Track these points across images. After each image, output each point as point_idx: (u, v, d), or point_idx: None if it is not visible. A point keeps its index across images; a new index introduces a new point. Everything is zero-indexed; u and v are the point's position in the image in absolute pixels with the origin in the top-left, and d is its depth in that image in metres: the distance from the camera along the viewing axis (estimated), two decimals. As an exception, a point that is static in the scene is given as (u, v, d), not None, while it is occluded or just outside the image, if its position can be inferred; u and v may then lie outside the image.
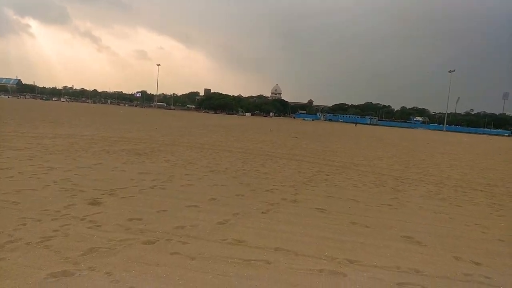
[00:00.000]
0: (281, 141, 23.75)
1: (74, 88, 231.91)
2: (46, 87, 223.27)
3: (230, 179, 9.53)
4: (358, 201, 8.04)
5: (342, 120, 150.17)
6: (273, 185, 9.12)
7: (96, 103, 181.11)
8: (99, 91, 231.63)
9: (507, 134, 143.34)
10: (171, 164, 11.18)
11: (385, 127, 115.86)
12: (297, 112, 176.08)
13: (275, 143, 21.85)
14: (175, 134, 22.95)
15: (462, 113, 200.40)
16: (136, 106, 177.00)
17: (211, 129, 31.23)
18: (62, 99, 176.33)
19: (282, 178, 10.29)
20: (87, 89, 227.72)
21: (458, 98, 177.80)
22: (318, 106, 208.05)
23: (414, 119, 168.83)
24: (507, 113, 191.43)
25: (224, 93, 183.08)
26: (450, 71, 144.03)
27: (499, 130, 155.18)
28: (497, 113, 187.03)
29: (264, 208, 6.86)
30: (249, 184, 9.03)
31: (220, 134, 26.49)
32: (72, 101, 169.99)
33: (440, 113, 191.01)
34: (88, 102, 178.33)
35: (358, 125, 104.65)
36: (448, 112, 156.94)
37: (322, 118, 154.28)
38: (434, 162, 18.12)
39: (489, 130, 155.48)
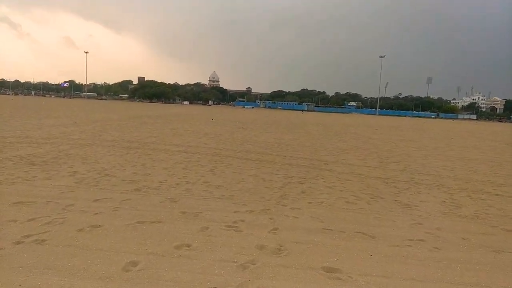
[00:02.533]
0: (228, 133, 20.48)
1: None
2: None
3: (167, 205, 6.11)
4: (375, 238, 5.10)
5: (281, 107, 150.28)
6: (235, 212, 5.89)
7: (18, 94, 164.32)
8: (21, 81, 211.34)
9: (433, 116, 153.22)
10: (76, 180, 7.44)
11: (322, 113, 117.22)
12: (236, 100, 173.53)
13: (221, 136, 18.53)
14: (98, 129, 18.65)
15: (391, 97, 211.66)
16: (64, 97, 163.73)
17: (144, 121, 26.99)
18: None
19: (243, 194, 7.09)
20: (7, 80, 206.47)
21: (387, 83, 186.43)
22: (257, 93, 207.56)
23: (349, 104, 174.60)
24: (431, 96, 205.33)
25: (159, 81, 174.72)
26: (381, 57, 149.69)
27: (426, 112, 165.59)
28: (422, 96, 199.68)
29: (235, 283, 3.61)
30: (197, 214, 5.71)
31: (154, 126, 22.50)
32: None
33: (371, 97, 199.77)
34: (8, 94, 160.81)
35: (304, 112, 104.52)
36: (379, 96, 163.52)
37: (261, 106, 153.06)
38: (405, 153, 16.03)
39: (417, 112, 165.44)
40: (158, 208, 5.86)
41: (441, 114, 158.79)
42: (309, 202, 6.78)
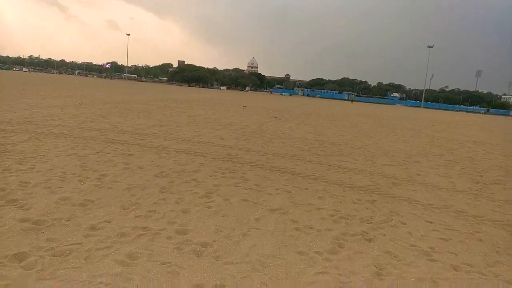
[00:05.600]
0: (256, 125, 16.59)
1: (41, 58, 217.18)
2: (10, 56, 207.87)
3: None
4: None
5: (319, 96, 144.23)
6: None
7: (62, 73, 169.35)
8: (67, 61, 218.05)
9: (483, 112, 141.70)
10: None
11: (364, 103, 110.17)
12: (274, 87, 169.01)
13: (247, 129, 14.69)
14: (98, 114, 15.35)
15: (437, 90, 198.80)
16: (105, 77, 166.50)
17: (164, 105, 23.61)
18: (24, 69, 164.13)
19: (250, 271, 3.24)
20: (54, 59, 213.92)
21: (432, 75, 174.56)
22: (296, 80, 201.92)
23: (392, 95, 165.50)
24: (480, 90, 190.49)
25: (198, 65, 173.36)
26: (429, 47, 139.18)
27: (476, 107, 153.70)
28: (470, 90, 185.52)
29: None
30: None
31: (171, 112, 19.01)
32: (36, 71, 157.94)
33: (415, 89, 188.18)
34: (53, 73, 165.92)
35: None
36: (425, 88, 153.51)
37: (300, 93, 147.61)
38: (495, 164, 11.48)
39: (465, 107, 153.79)
40: None
41: (491, 110, 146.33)
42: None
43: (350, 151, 11.37)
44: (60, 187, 5.19)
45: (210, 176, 6.66)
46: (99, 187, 5.35)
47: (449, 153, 13.01)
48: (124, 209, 4.58)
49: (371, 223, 4.95)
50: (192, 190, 5.63)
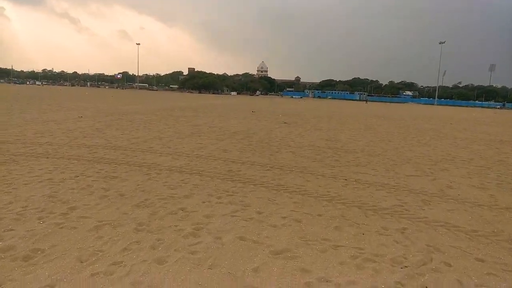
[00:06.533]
0: (264, 132, 15.47)
1: (54, 71, 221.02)
2: (24, 70, 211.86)
3: None
4: None
5: (331, 97, 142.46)
6: None
7: (74, 85, 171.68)
8: (80, 73, 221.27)
9: (499, 107, 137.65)
10: None
11: (377, 102, 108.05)
12: (284, 90, 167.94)
13: (254, 137, 13.60)
14: (96, 127, 14.45)
15: (450, 86, 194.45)
16: (117, 87, 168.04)
17: (170, 114, 22.68)
18: (37, 83, 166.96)
19: None
20: (67, 72, 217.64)
21: (445, 71, 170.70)
22: (306, 83, 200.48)
23: (404, 93, 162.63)
24: (494, 85, 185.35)
25: (208, 72, 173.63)
26: (441, 43, 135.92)
27: (491, 102, 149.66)
28: (484, 85, 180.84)
29: None
30: None
31: (175, 122, 18.04)
32: (48, 84, 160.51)
33: (428, 86, 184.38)
34: (66, 85, 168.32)
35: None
36: (438, 85, 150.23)
37: (310, 95, 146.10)
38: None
39: (480, 102, 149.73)
40: None
41: (507, 104, 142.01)
42: None
43: (368, 159, 10.16)
44: (10, 230, 4.16)
45: (203, 202, 5.56)
46: (60, 227, 4.30)
47: (478, 157, 11.67)
48: (81, 261, 3.51)
49: (405, 267, 3.78)
50: (176, 226, 4.54)
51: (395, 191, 6.88)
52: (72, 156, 8.47)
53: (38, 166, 7.33)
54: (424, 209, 5.83)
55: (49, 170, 7.06)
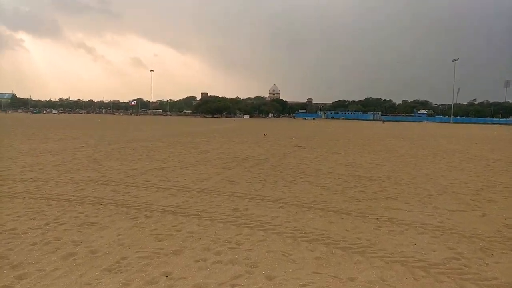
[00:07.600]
0: (276, 158, 14.16)
1: (70, 99, 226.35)
2: (42, 100, 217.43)
3: None
4: None
5: (344, 118, 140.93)
6: None
7: (89, 113, 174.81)
8: (95, 101, 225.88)
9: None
10: None
11: (392, 122, 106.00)
12: (297, 112, 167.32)
13: (265, 164, 12.29)
14: (94, 157, 13.39)
15: (465, 103, 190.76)
16: (131, 114, 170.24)
17: (178, 140, 21.60)
18: (53, 111, 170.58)
19: None
20: (83, 100, 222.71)
21: (459, 88, 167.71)
22: (318, 104, 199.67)
23: (418, 112, 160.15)
24: (510, 101, 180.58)
25: (221, 96, 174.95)
26: (454, 60, 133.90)
27: (509, 119, 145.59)
28: (500, 101, 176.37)
29: None
30: None
31: (182, 149, 16.90)
32: (64, 113, 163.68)
33: (442, 104, 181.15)
34: (81, 113, 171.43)
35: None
36: (451, 103, 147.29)
37: (323, 116, 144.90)
38: None
39: (497, 119, 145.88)
40: None
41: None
42: None
43: (397, 189, 8.73)
44: None
45: (196, 262, 4.24)
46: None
47: (525, 182, 10.11)
48: None
49: None
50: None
51: (441, 234, 5.46)
52: (53, 196, 7.29)
53: (7, 210, 6.16)
54: (488, 264, 4.40)
55: (18, 216, 5.87)
